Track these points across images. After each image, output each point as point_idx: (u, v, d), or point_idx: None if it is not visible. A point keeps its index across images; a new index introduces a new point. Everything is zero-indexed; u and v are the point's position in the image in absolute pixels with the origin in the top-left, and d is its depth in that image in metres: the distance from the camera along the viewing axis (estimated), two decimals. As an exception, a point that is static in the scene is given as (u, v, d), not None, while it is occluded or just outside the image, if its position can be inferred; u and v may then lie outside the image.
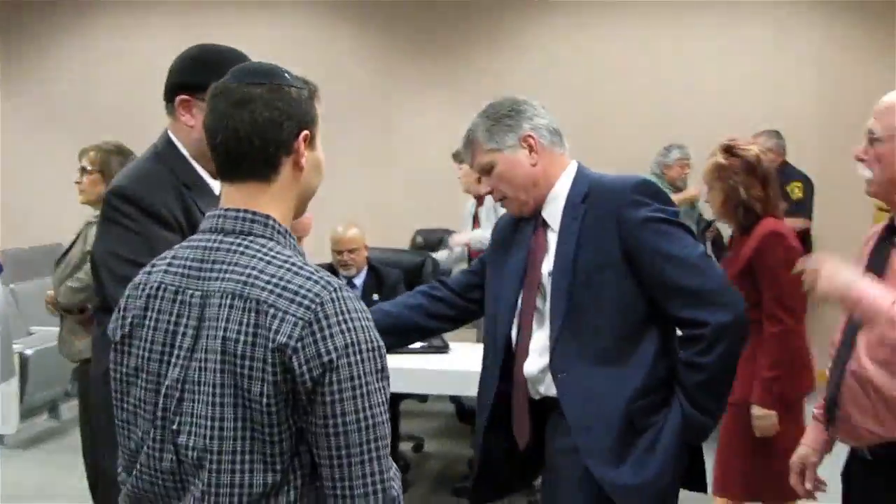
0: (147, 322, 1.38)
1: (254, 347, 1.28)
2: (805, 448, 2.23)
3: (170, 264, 1.41)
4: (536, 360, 2.18)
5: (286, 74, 1.41)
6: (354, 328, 1.31)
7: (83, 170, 3.59)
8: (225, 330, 1.30)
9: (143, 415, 1.39)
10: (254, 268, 1.32)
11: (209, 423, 1.30)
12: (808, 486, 2.21)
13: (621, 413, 2.07)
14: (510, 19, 7.03)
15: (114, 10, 7.55)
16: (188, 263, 1.38)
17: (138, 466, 1.40)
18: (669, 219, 2.09)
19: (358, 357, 1.29)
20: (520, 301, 2.21)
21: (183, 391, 1.33)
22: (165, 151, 2.09)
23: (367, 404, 1.30)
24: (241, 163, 1.37)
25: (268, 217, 1.38)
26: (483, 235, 4.61)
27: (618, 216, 2.07)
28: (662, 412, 2.10)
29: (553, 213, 2.18)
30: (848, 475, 2.12)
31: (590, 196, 2.13)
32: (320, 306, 1.29)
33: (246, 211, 1.37)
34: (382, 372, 1.33)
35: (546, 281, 2.16)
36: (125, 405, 1.43)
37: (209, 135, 1.39)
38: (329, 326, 1.28)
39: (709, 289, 2.04)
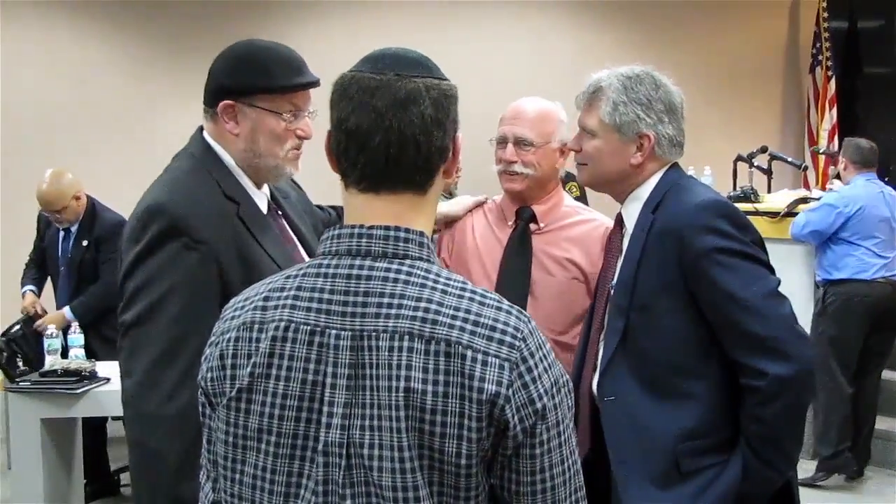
0: (275, 371, 1.12)
1: (447, 399, 1.06)
2: None
3: (296, 297, 1.14)
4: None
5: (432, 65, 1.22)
6: (552, 362, 1.14)
7: None
8: (407, 379, 1.07)
9: (270, 487, 1.13)
10: (429, 300, 1.09)
11: (397, 494, 1.07)
12: None
13: (667, 452, 1.83)
14: (276, 22, 6.80)
15: None
16: (326, 297, 1.12)
17: None
18: (740, 250, 1.81)
19: (559, 397, 1.12)
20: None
21: (349, 457, 1.09)
22: (206, 159, 1.88)
23: (569, 451, 1.15)
24: (399, 170, 1.15)
25: (422, 234, 1.16)
26: None
27: (681, 239, 1.82)
28: (718, 457, 1.84)
29: (631, 213, 1.98)
30: None
31: (661, 206, 1.89)
32: (523, 342, 1.10)
33: (397, 228, 1.14)
34: (572, 409, 1.17)
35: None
36: (237, 475, 1.15)
37: (359, 136, 1.14)
38: (536, 366, 1.10)
39: (771, 335, 1.77)
